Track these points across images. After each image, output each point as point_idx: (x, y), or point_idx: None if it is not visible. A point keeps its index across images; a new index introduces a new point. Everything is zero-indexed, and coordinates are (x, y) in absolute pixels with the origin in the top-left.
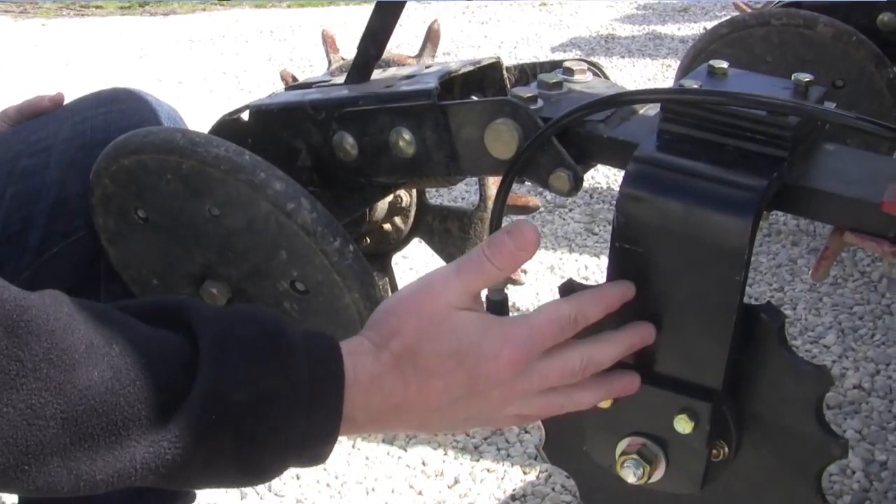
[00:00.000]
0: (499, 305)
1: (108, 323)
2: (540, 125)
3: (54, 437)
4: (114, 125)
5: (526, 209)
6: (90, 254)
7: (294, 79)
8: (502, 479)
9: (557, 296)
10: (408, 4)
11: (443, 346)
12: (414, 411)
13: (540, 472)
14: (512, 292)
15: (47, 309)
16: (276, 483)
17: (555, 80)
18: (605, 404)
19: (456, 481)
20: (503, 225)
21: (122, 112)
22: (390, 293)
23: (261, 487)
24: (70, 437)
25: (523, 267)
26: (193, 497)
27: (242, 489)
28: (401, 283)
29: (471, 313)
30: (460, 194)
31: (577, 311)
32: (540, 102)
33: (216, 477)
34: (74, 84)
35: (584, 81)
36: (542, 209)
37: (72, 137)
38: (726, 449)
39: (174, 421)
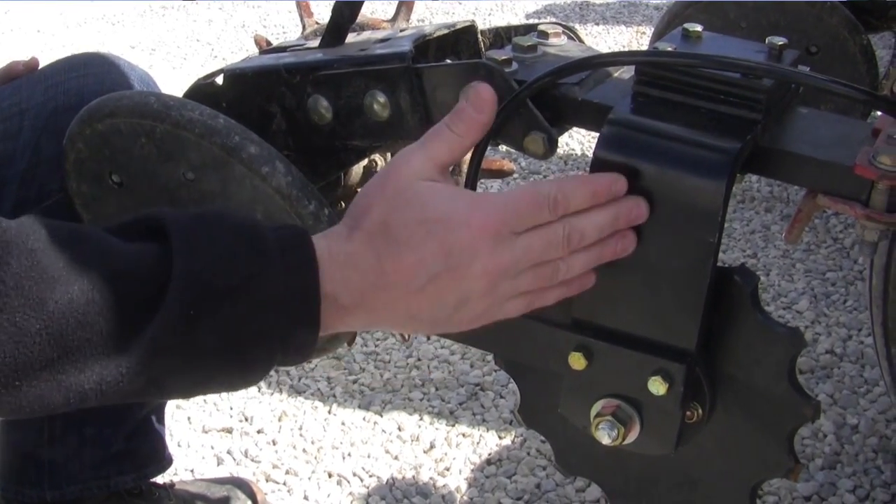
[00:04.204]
0: None
1: (85, 241)
2: (515, 88)
3: (41, 352)
4: (87, 89)
5: (501, 173)
6: (64, 219)
7: (268, 43)
8: (478, 443)
9: None
10: None
11: (409, 216)
12: (395, 290)
13: (515, 436)
14: None
15: (26, 230)
16: (252, 448)
17: (529, 44)
18: (580, 365)
19: (432, 446)
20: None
21: (94, 76)
22: None
23: (237, 453)
24: (56, 351)
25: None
26: (169, 462)
27: (218, 454)
28: None
29: (437, 184)
30: None
31: (559, 191)
32: (515, 65)
33: (204, 376)
34: (47, 52)
35: (559, 45)
36: (516, 176)
37: (44, 102)
38: (700, 410)
39: (157, 318)
